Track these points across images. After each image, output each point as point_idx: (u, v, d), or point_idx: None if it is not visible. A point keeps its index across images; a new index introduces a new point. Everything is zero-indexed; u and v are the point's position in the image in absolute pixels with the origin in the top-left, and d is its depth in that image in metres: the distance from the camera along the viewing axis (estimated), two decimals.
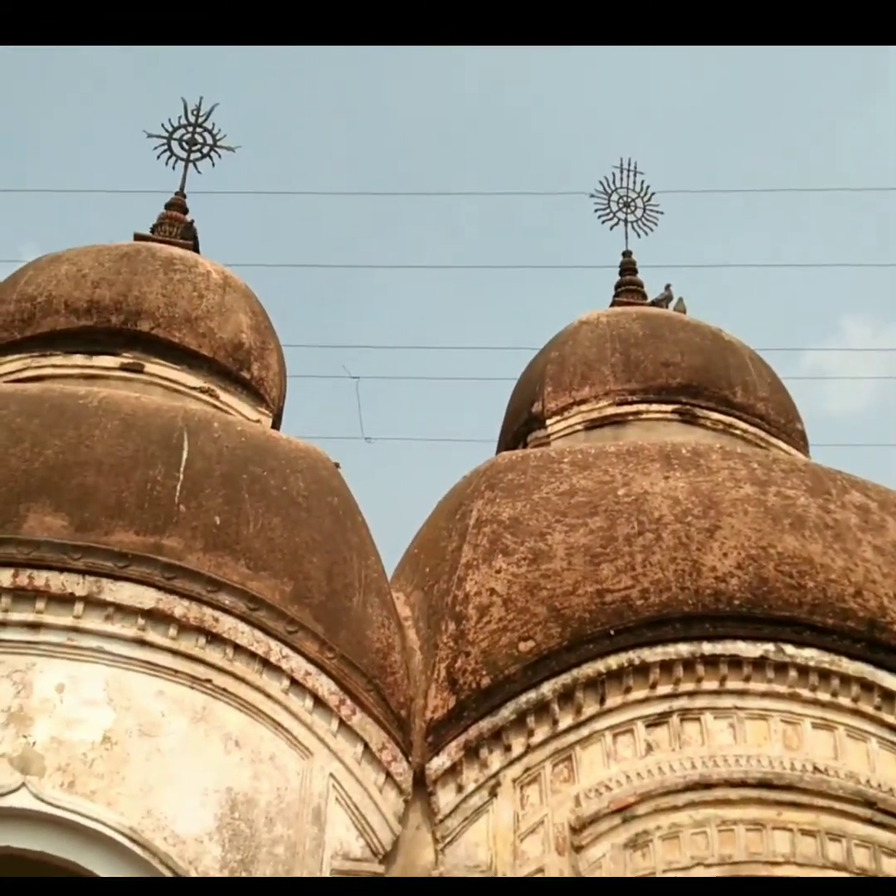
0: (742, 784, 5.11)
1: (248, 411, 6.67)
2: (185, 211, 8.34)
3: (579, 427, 7.38)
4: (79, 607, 4.93)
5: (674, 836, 5.02)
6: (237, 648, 5.05)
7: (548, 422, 7.48)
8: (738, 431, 7.28)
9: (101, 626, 4.96)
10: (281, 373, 7.08)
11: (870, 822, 5.14)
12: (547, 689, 5.23)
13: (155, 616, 4.99)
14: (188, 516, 5.22)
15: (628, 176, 9.78)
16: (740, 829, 5.06)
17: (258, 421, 6.66)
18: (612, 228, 9.57)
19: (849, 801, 5.14)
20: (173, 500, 5.26)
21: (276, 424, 7.08)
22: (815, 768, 5.20)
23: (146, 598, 4.99)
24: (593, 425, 7.34)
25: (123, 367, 6.49)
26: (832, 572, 5.53)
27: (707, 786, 5.10)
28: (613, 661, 5.29)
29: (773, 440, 7.32)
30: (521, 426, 7.82)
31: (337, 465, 6.70)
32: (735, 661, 5.34)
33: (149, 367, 6.51)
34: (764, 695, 5.35)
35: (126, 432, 5.50)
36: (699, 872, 4.95)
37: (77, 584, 4.95)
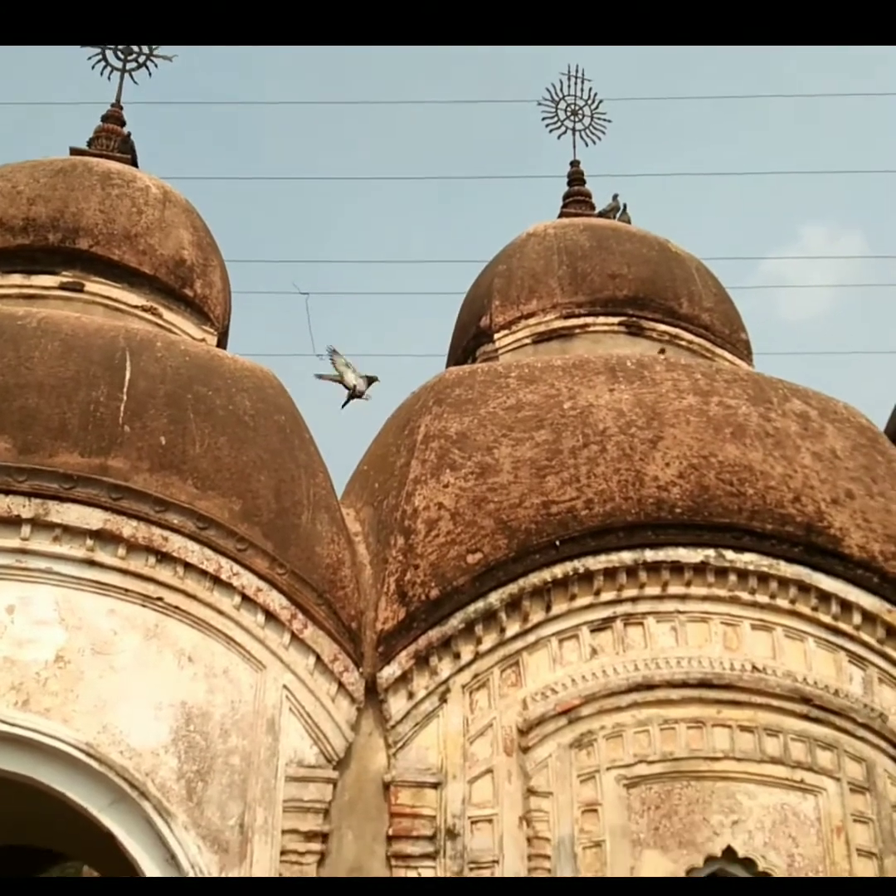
0: (683, 684, 5.29)
1: (192, 330, 6.59)
2: (123, 124, 8.11)
3: (527, 341, 7.39)
4: (26, 529, 4.93)
5: (617, 735, 5.20)
6: (187, 567, 5.09)
7: (496, 336, 7.48)
8: (683, 342, 7.33)
9: (49, 547, 4.97)
10: (225, 290, 6.99)
11: (806, 717, 5.35)
12: (494, 598, 5.34)
13: (103, 536, 5.01)
14: (133, 437, 5.20)
15: (576, 83, 9.62)
16: (681, 728, 5.25)
17: (203, 340, 6.59)
18: (559, 137, 9.44)
19: (786, 699, 5.35)
20: (117, 420, 5.23)
21: (221, 343, 7.01)
22: (754, 668, 5.39)
23: (93, 519, 5.00)
24: (541, 339, 7.35)
25: (63, 287, 6.37)
26: (771, 479, 5.66)
27: (649, 687, 5.27)
28: (559, 570, 5.41)
29: (718, 350, 7.39)
30: (469, 341, 7.82)
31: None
32: (676, 567, 5.48)
33: (89, 286, 6.40)
34: (704, 599, 5.51)
35: (67, 353, 5.43)
36: (642, 769, 5.15)
37: (23, 507, 4.94)
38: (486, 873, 4.96)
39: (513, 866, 4.97)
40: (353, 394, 7.17)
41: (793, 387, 6.33)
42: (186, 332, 6.57)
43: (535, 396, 6.01)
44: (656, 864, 5.02)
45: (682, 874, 5.01)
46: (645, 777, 5.16)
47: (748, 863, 5.09)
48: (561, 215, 8.54)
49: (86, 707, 4.82)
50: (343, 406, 7.36)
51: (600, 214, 8.52)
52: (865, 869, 5.14)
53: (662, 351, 6.99)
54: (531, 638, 5.41)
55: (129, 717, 4.86)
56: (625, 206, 8.53)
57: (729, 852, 5.08)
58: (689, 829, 5.09)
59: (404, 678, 5.23)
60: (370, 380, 7.21)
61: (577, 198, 8.67)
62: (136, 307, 6.51)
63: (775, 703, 5.32)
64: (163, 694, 4.94)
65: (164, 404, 5.37)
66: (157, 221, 6.76)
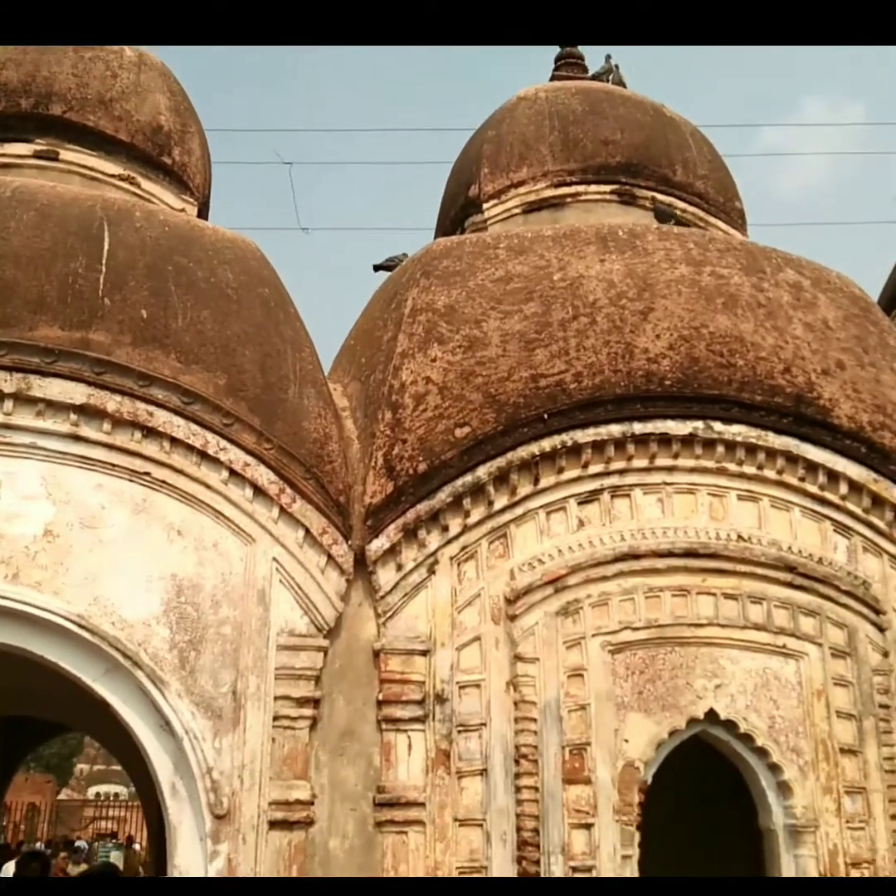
0: (669, 554, 5.35)
1: (171, 200, 6.40)
2: None
3: (517, 211, 7.20)
4: (8, 404, 4.89)
5: (603, 603, 5.28)
6: (174, 442, 5.07)
7: (485, 206, 7.28)
8: (676, 211, 7.15)
9: (32, 422, 4.93)
10: (205, 158, 6.76)
11: (789, 585, 5.43)
12: (482, 472, 5.35)
13: (87, 411, 4.97)
14: (114, 310, 5.11)
15: None
16: (666, 596, 5.33)
17: (182, 210, 6.41)
18: None
19: (770, 567, 5.42)
20: (97, 293, 5.12)
21: (202, 215, 6.82)
22: (740, 537, 5.44)
23: (76, 393, 4.95)
24: (531, 208, 7.16)
25: (37, 155, 6.14)
26: (762, 350, 5.60)
27: (635, 557, 5.33)
28: (547, 444, 5.40)
29: (712, 219, 7.21)
30: (458, 211, 7.62)
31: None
32: (664, 439, 5.47)
33: (64, 155, 6.17)
34: (692, 470, 5.52)
35: (43, 223, 5.29)
36: (627, 636, 5.25)
37: (5, 381, 4.89)
38: (473, 736, 5.10)
39: (500, 729, 5.10)
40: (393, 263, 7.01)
41: (786, 256, 6.21)
42: (165, 201, 6.38)
43: (524, 268, 5.89)
44: (640, 726, 5.16)
45: (665, 736, 5.15)
46: (630, 643, 5.26)
47: (730, 724, 5.23)
48: (553, 78, 8.22)
49: (76, 580, 4.86)
50: (376, 268, 7.22)
51: (593, 77, 8.21)
52: (844, 730, 5.30)
53: (668, 218, 6.78)
54: (519, 510, 5.44)
55: (119, 589, 4.91)
56: (617, 66, 8.21)
57: (711, 715, 5.22)
58: (673, 692, 5.22)
59: (393, 550, 5.28)
60: None
61: (569, 60, 8.33)
62: (112, 176, 6.30)
63: (760, 571, 5.39)
64: (153, 567, 4.98)
65: (144, 276, 5.25)
66: (132, 85, 6.49)
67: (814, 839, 5.14)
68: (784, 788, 5.21)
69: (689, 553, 5.37)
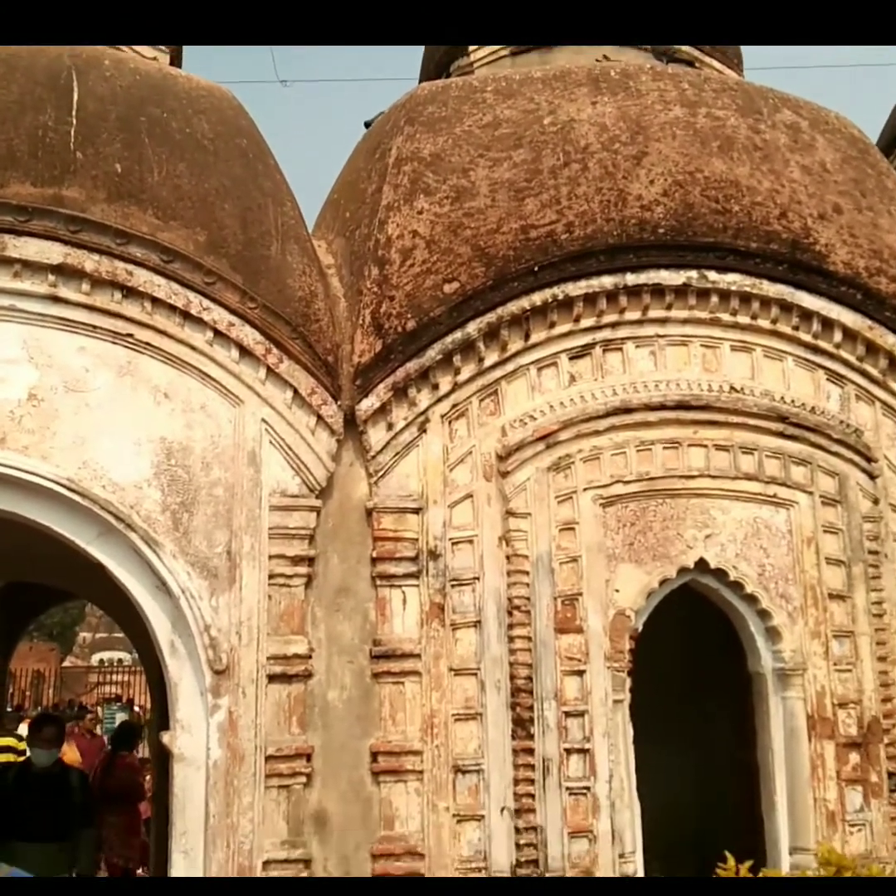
0: (661, 407, 5.31)
1: (142, 48, 6.11)
2: None
3: (504, 52, 6.88)
4: None
5: (594, 458, 5.26)
6: (155, 302, 4.95)
7: (471, 48, 6.97)
8: (670, 49, 6.85)
9: (10, 283, 4.81)
10: None
11: (781, 435, 5.41)
12: (472, 328, 5.25)
13: (65, 271, 4.84)
14: (87, 164, 4.91)
15: None
16: (658, 448, 5.31)
17: (154, 59, 6.12)
18: None
19: (762, 417, 5.38)
20: (69, 147, 4.91)
21: (175, 64, 6.53)
22: (732, 388, 5.39)
23: (53, 252, 4.80)
24: (519, 50, 6.84)
25: None
26: (758, 195, 5.43)
27: (627, 410, 5.29)
28: (538, 298, 5.29)
29: (707, 59, 6.91)
30: (442, 55, 7.29)
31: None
32: (658, 291, 5.36)
33: None
34: (685, 321, 5.43)
35: (9, 74, 5.04)
36: (618, 489, 5.25)
37: None
38: (466, 589, 5.15)
39: (493, 582, 5.16)
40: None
41: (783, 96, 5.97)
42: (135, 49, 6.09)
43: (513, 112, 5.66)
44: (630, 576, 5.21)
45: (655, 585, 5.21)
46: (621, 496, 5.27)
47: (720, 573, 5.29)
48: None
49: (64, 444, 4.81)
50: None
51: None
52: (834, 576, 5.36)
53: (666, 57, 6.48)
54: (510, 367, 5.37)
55: (108, 452, 4.88)
56: None
57: (701, 564, 5.27)
58: (663, 543, 5.25)
59: (383, 410, 5.23)
60: None
61: None
62: None
63: (752, 421, 5.36)
64: (141, 430, 4.93)
65: (116, 128, 5.04)
66: None
67: (802, 682, 5.26)
68: (773, 633, 5.30)
69: (681, 405, 5.32)
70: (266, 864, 4.74)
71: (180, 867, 4.73)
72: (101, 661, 28.76)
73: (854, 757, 5.23)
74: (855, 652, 5.32)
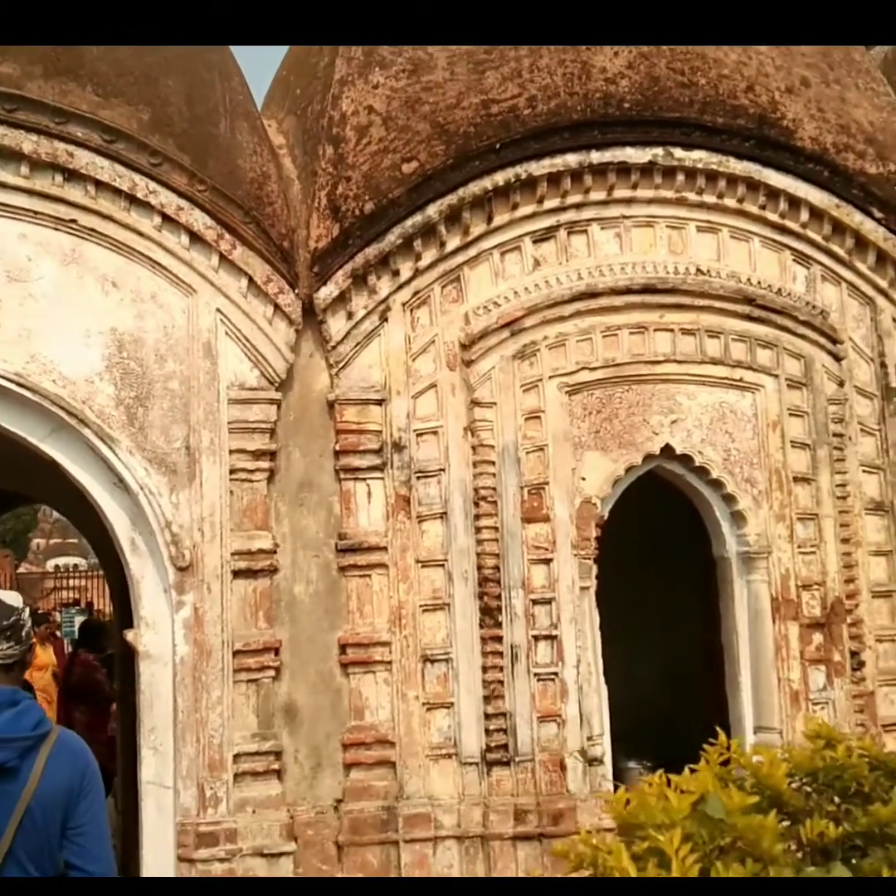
0: (627, 291, 5.20)
1: None
2: None
3: None
4: None
5: (560, 344, 5.16)
6: (99, 185, 4.71)
7: None
8: None
9: None
10: None
11: (748, 318, 5.34)
12: (433, 211, 5.07)
13: (3, 155, 4.57)
14: None
15: None
16: (624, 334, 5.22)
17: None
18: None
19: (729, 300, 5.30)
20: None
21: None
22: (698, 270, 5.29)
23: None
24: None
25: None
26: (724, 67, 5.24)
27: (593, 295, 5.17)
28: (500, 177, 5.10)
29: None
30: None
31: None
32: (623, 169, 5.19)
33: None
34: (651, 201, 5.28)
35: None
36: (584, 376, 5.17)
37: None
38: (432, 481, 5.09)
39: (458, 473, 5.08)
40: None
41: None
42: None
43: None
44: (597, 464, 5.17)
45: (621, 473, 5.18)
46: (587, 384, 5.19)
47: (685, 459, 5.27)
48: None
49: (9, 337, 4.61)
50: None
51: None
52: (798, 459, 5.36)
53: None
54: (472, 251, 5.21)
55: (57, 345, 4.68)
56: None
57: (667, 450, 5.24)
58: (629, 430, 5.20)
59: (342, 298, 5.06)
60: None
61: None
62: None
63: (718, 304, 5.28)
64: (90, 321, 4.73)
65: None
66: None
67: (766, 565, 5.30)
68: (738, 518, 5.31)
69: (648, 289, 5.21)
70: (236, 756, 4.74)
71: (151, 764, 4.71)
72: (57, 567, 28.58)
73: (817, 637, 5.30)
74: (819, 534, 5.36)
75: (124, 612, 5.77)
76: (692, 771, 2.17)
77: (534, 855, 4.89)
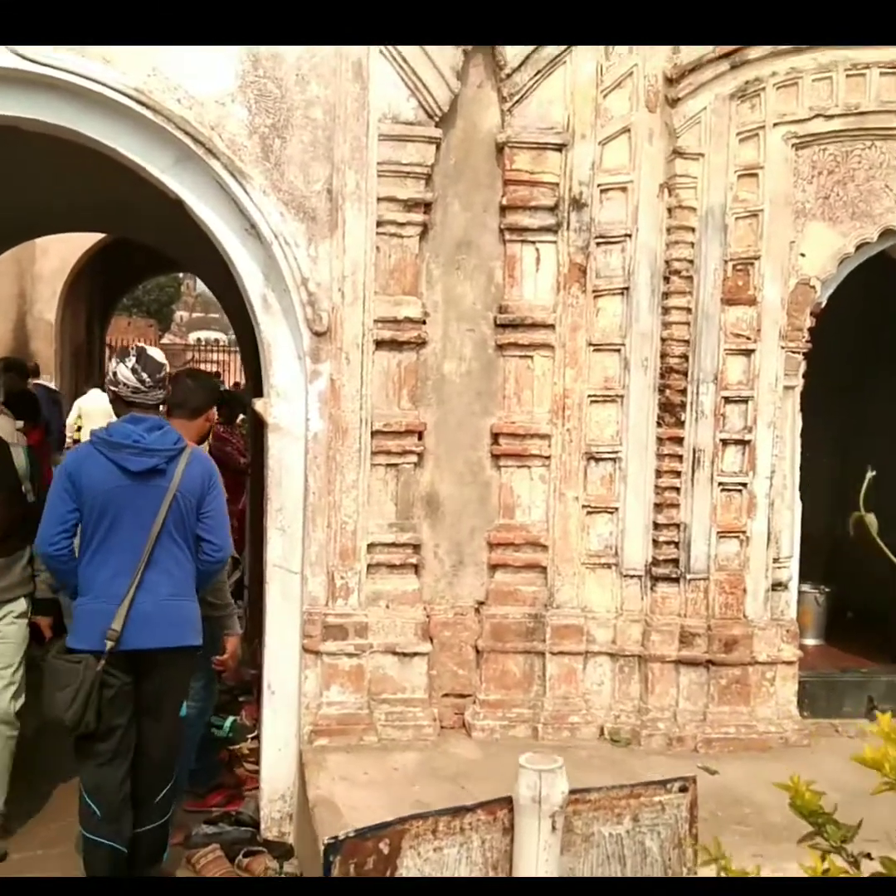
0: None
1: None
2: None
3: None
4: None
5: (792, 83, 4.13)
6: None
7: None
8: None
9: None
10: None
11: None
12: None
13: None
14: None
15: None
16: (873, 74, 4.16)
17: None
18: None
19: None
20: None
21: None
22: None
23: None
24: None
25: None
26: None
27: None
28: None
29: None
30: None
31: None
32: None
33: None
34: None
35: None
36: (817, 126, 4.15)
37: None
38: (615, 248, 4.25)
39: (648, 240, 4.23)
40: None
41: None
42: None
43: None
44: (821, 238, 4.23)
45: (851, 251, 4.23)
46: (819, 136, 4.18)
47: None
48: None
49: (128, 48, 3.86)
50: None
51: None
52: None
53: None
54: None
55: (182, 58, 3.92)
56: None
57: None
58: (867, 198, 4.21)
59: None
60: None
61: None
62: None
63: None
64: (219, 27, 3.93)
65: None
66: None
67: None
68: None
69: None
70: (371, 546, 4.24)
71: (277, 545, 4.25)
72: (198, 339, 28.88)
73: None
74: None
75: (256, 384, 5.24)
76: None
77: (699, 682, 4.33)
